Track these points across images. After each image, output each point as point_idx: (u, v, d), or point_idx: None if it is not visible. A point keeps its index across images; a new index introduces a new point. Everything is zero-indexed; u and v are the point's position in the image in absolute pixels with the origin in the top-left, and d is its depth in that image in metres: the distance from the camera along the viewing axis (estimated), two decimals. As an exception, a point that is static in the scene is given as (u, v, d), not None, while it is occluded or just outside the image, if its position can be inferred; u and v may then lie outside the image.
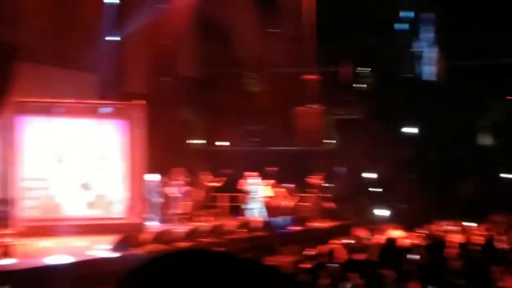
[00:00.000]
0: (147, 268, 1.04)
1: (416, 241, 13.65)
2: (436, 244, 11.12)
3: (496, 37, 21.13)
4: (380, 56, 23.42)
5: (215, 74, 22.70)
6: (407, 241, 13.91)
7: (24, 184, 15.08)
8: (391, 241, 12.35)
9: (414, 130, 23.58)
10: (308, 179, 19.62)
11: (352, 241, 13.19)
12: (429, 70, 21.97)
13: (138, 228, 14.83)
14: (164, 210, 17.68)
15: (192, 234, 13.91)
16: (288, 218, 17.26)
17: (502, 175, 22.65)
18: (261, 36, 20.33)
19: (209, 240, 14.02)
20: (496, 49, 21.51)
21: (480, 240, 12.64)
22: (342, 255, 10.71)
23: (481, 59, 22.28)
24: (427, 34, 21.77)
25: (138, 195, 15.85)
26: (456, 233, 14.59)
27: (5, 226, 13.92)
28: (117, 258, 11.86)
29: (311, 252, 12.02)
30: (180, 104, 22.31)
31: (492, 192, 20.08)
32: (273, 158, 21.72)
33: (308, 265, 9.84)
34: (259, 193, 18.57)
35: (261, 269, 1.12)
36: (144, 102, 16.04)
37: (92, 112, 16.16)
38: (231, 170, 21.76)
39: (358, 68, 23.47)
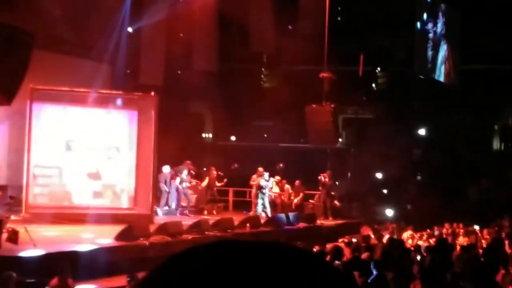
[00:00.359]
0: (186, 257, 0.96)
1: (423, 242, 13.65)
2: (442, 246, 11.09)
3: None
4: (395, 56, 23.37)
5: (230, 69, 22.74)
6: (414, 242, 13.94)
7: (35, 171, 15.22)
8: (396, 241, 12.35)
9: (425, 131, 23.50)
10: (317, 176, 19.61)
11: (358, 240, 13.17)
12: (443, 72, 21.87)
13: (146, 219, 14.91)
14: (172, 202, 17.77)
15: (198, 227, 13.96)
16: (295, 214, 17.27)
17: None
18: (277, 32, 20.33)
19: (215, 233, 14.06)
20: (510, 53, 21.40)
21: (488, 243, 12.59)
22: (346, 253, 10.72)
23: (495, 63, 22.17)
24: (443, 36, 21.66)
25: (147, 186, 15.93)
26: (463, 235, 14.55)
27: (15, 211, 14.07)
28: (122, 247, 11.94)
29: (316, 249, 12.02)
30: (193, 98, 22.38)
31: (501, 195, 19.99)
32: (283, 154, 21.75)
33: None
34: (267, 188, 18.61)
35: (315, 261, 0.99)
36: (156, 94, 16.10)
37: (104, 102, 16.26)
38: (240, 164, 21.83)
39: (372, 68, 23.41)
